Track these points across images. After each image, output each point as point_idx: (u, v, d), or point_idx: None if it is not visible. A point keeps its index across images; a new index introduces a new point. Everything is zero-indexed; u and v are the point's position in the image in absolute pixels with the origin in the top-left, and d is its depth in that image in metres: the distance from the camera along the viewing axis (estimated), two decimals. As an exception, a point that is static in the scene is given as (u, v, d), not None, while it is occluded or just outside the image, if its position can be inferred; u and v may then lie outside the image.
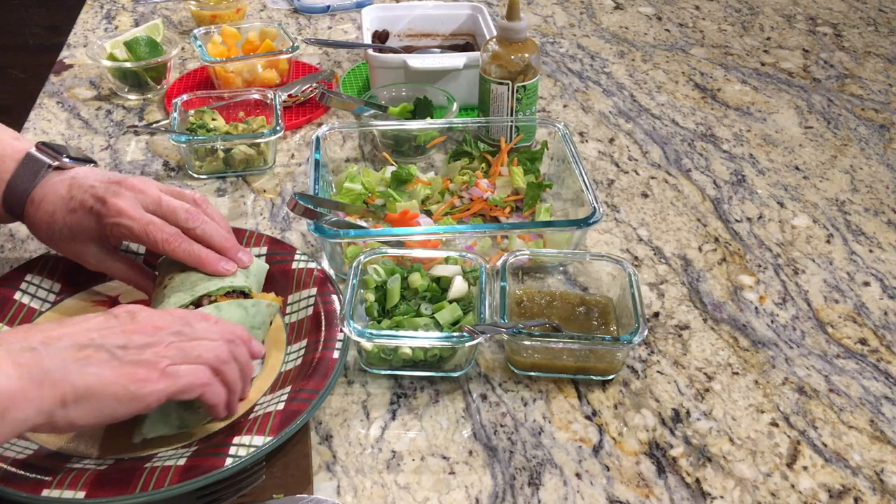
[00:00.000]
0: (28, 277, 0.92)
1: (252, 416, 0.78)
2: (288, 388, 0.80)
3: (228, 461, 0.72)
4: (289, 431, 0.74)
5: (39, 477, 0.71)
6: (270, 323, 0.87)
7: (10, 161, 0.86)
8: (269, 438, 0.74)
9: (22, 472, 0.71)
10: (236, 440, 0.74)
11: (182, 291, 0.82)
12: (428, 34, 1.46)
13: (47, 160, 0.87)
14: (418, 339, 0.84)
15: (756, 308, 0.97)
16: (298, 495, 0.73)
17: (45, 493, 0.69)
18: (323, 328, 0.86)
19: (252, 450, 0.73)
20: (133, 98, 1.37)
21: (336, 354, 0.82)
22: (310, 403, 0.77)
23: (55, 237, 0.87)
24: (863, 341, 0.93)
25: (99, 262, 0.89)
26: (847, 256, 1.06)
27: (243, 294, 0.85)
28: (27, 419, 0.62)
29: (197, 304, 0.82)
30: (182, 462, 0.72)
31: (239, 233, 0.97)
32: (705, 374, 0.89)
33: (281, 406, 0.77)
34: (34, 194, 0.86)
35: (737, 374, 0.89)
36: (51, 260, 0.95)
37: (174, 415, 0.76)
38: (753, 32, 1.65)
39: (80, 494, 0.69)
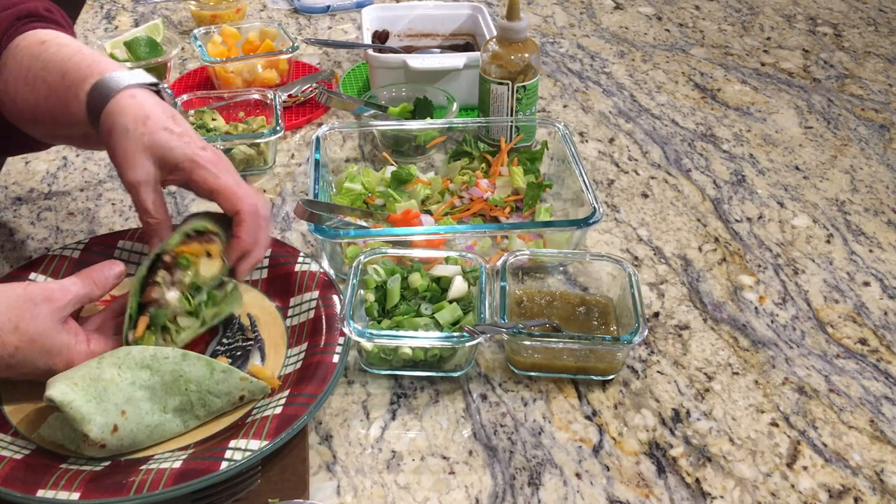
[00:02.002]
0: (31, 276, 0.92)
1: (249, 419, 0.78)
2: (286, 392, 0.80)
3: (224, 465, 0.71)
4: (286, 436, 0.74)
5: (34, 477, 0.71)
6: (242, 399, 0.81)
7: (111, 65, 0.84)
8: (265, 442, 0.73)
9: (17, 472, 0.71)
10: (232, 444, 0.74)
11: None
12: (428, 34, 1.46)
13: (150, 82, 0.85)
14: (418, 339, 0.84)
15: (756, 308, 0.97)
16: (294, 500, 0.73)
17: (40, 493, 0.69)
18: (323, 332, 0.86)
19: (248, 454, 0.72)
20: (133, 98, 1.37)
21: (336, 358, 0.82)
22: (308, 408, 0.77)
23: (132, 136, 0.81)
24: (863, 341, 0.93)
25: (143, 177, 0.82)
26: (847, 256, 1.06)
27: (206, 234, 0.85)
28: None
29: (155, 261, 0.82)
30: (177, 465, 0.72)
31: None
32: (705, 374, 0.89)
33: (278, 410, 0.77)
34: (133, 90, 0.82)
35: (737, 374, 0.89)
36: (54, 259, 0.95)
37: (68, 429, 0.76)
38: (753, 32, 1.64)
39: (75, 496, 0.69)
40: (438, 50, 1.42)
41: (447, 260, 0.93)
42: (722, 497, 0.76)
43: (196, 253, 0.82)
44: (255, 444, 0.73)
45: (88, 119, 0.82)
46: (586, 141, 1.29)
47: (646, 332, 0.82)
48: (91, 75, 0.81)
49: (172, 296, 0.81)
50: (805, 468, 0.79)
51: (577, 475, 0.78)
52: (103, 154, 1.23)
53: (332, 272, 0.97)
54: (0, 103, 0.86)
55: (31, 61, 0.83)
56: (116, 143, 0.81)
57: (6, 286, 0.77)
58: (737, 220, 1.12)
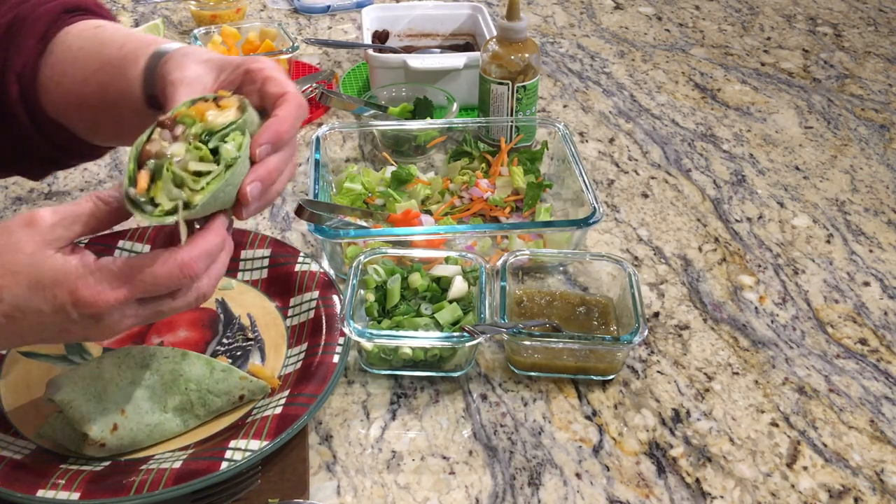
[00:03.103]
0: None
1: (249, 419, 0.78)
2: (286, 392, 0.80)
3: (224, 465, 0.71)
4: (286, 436, 0.74)
5: (34, 477, 0.71)
6: (242, 398, 0.80)
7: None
8: (265, 443, 0.73)
9: (17, 472, 0.71)
10: (232, 444, 0.74)
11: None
12: (428, 34, 1.46)
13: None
14: (418, 339, 0.83)
15: (756, 308, 0.97)
16: (294, 500, 0.73)
17: (40, 493, 0.69)
18: (324, 332, 0.86)
19: (248, 454, 0.72)
20: (133, 98, 1.37)
21: (336, 359, 0.82)
22: (308, 408, 0.77)
23: (189, 52, 0.76)
24: (863, 341, 0.93)
25: (190, 76, 0.75)
26: (847, 256, 1.06)
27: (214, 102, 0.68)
28: None
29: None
30: (178, 465, 0.72)
31: (241, 234, 0.97)
32: (705, 374, 0.89)
33: (279, 410, 0.77)
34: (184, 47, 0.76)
35: (737, 374, 0.89)
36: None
37: (68, 430, 0.76)
38: (753, 32, 1.64)
39: (75, 496, 0.69)
40: (438, 50, 1.42)
41: (447, 260, 0.93)
42: (722, 497, 0.76)
43: (202, 111, 0.67)
44: (255, 444, 0.73)
45: (143, 79, 0.76)
46: (586, 141, 1.29)
47: (646, 332, 0.82)
48: (155, 43, 0.77)
49: (176, 147, 0.64)
50: (805, 468, 0.79)
51: (577, 475, 0.78)
52: (103, 154, 1.23)
53: (332, 272, 0.97)
54: (44, 91, 0.80)
55: (83, 41, 0.79)
56: (171, 61, 0.73)
57: None
58: (737, 220, 1.12)
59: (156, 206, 0.62)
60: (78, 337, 0.65)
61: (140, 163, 0.63)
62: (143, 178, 0.63)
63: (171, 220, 0.62)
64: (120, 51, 0.77)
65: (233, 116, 0.67)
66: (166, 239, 0.68)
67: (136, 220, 0.66)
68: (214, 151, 0.64)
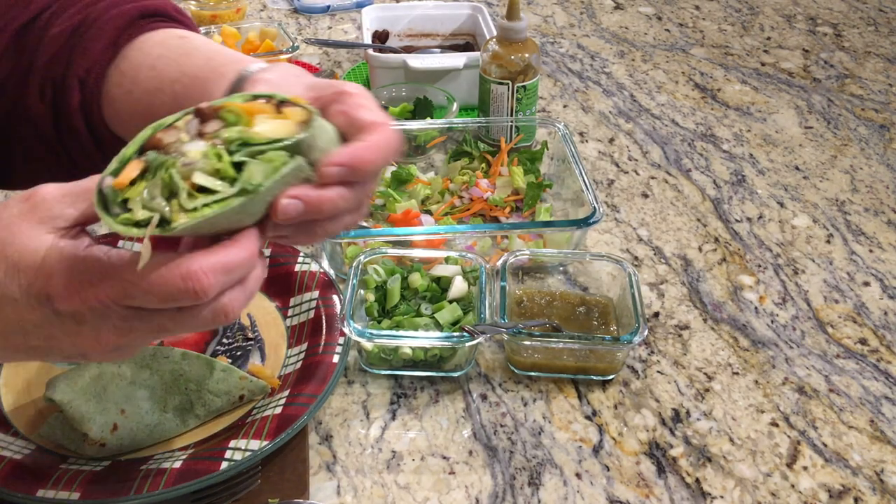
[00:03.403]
0: None
1: (249, 419, 0.78)
2: (286, 392, 0.80)
3: (224, 465, 0.72)
4: (286, 436, 0.74)
5: (34, 477, 0.71)
6: (242, 398, 0.80)
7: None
8: (265, 443, 0.73)
9: (17, 472, 0.71)
10: (232, 444, 0.74)
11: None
12: (428, 34, 1.46)
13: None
14: (418, 339, 0.83)
15: (756, 308, 0.97)
16: (294, 500, 0.73)
17: (40, 493, 0.69)
18: (323, 332, 0.86)
19: (248, 454, 0.72)
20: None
21: (336, 359, 0.82)
22: (308, 408, 0.77)
23: (279, 68, 0.67)
24: (863, 341, 0.93)
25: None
26: (847, 256, 1.06)
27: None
28: None
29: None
30: (178, 465, 0.72)
31: None
32: (705, 374, 0.89)
33: (279, 410, 0.77)
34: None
35: (737, 374, 0.89)
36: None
37: (68, 430, 0.75)
38: (753, 32, 1.64)
39: (75, 495, 0.69)
40: (438, 50, 1.42)
41: (447, 260, 0.93)
42: (722, 497, 0.76)
43: (252, 112, 0.52)
44: (255, 444, 0.73)
45: (227, 94, 0.65)
46: (586, 141, 1.29)
47: (646, 332, 0.82)
48: (249, 60, 0.67)
49: (194, 147, 0.49)
50: (805, 468, 0.79)
51: (577, 475, 0.78)
52: (103, 154, 1.23)
53: (332, 272, 0.97)
54: (109, 101, 0.71)
55: (164, 49, 0.70)
56: (263, 73, 0.65)
57: None
58: (737, 220, 1.12)
59: (127, 210, 0.48)
60: (66, 346, 0.53)
61: (143, 150, 0.50)
62: (132, 169, 0.49)
63: (134, 233, 0.47)
64: (207, 63, 0.68)
65: (286, 131, 0.50)
66: (208, 240, 0.52)
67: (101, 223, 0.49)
68: (239, 167, 0.48)
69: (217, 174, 0.48)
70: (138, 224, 0.47)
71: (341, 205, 0.53)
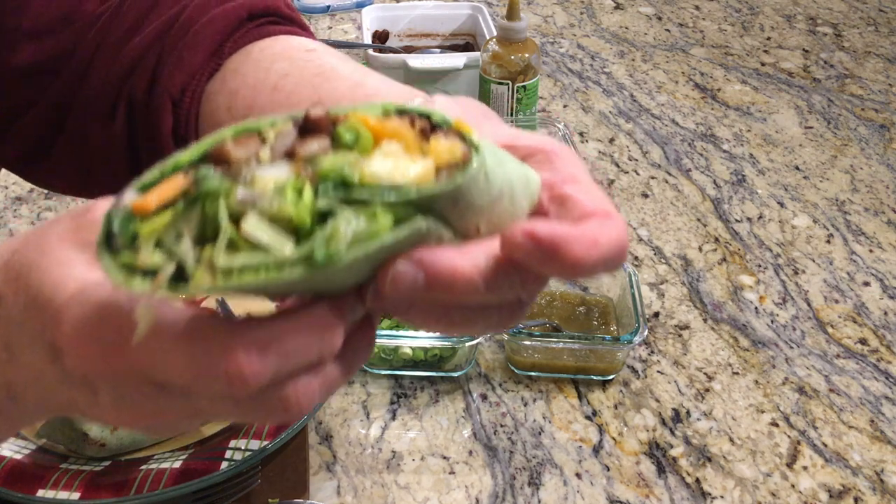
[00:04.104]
0: None
1: (251, 417, 0.78)
2: None
3: (224, 465, 0.71)
4: (286, 436, 0.74)
5: (34, 477, 0.71)
6: None
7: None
8: (265, 442, 0.73)
9: (17, 472, 0.71)
10: (232, 443, 0.74)
11: None
12: (428, 34, 1.46)
13: None
14: (418, 338, 0.84)
15: (756, 308, 0.97)
16: (294, 500, 0.73)
17: (40, 493, 0.69)
18: None
19: (248, 454, 0.72)
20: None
21: None
22: None
23: None
24: (863, 341, 0.93)
25: None
26: (847, 256, 1.06)
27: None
28: None
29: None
30: (178, 465, 0.72)
31: None
32: (705, 374, 0.89)
33: None
34: None
35: (737, 374, 0.89)
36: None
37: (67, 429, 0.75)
38: (753, 32, 1.64)
39: (75, 496, 0.69)
40: (438, 50, 1.42)
41: (447, 260, 0.93)
42: (722, 497, 0.76)
43: (384, 133, 0.34)
44: (255, 444, 0.73)
45: None
46: (586, 141, 1.29)
47: (646, 332, 0.82)
48: (410, 92, 0.51)
49: (271, 172, 0.33)
50: (805, 468, 0.79)
51: (577, 475, 0.78)
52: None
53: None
54: (211, 125, 0.56)
55: (289, 65, 0.55)
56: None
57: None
58: (737, 220, 1.12)
59: (133, 248, 0.32)
60: (92, 415, 0.39)
61: (204, 160, 0.34)
62: (168, 188, 0.33)
63: (134, 286, 0.32)
64: (353, 90, 0.51)
65: (417, 175, 0.33)
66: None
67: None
68: (324, 218, 0.32)
69: (285, 221, 0.32)
70: (145, 273, 0.32)
71: (487, 295, 0.35)
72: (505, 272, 0.34)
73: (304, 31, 0.62)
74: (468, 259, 0.34)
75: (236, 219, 0.31)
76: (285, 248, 0.31)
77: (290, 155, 0.33)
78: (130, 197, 0.33)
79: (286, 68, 0.54)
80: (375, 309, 0.37)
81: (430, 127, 0.34)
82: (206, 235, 0.32)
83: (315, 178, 0.32)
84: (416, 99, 0.45)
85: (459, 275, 0.34)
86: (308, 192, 0.32)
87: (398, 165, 0.33)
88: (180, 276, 0.32)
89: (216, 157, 0.33)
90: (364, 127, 0.34)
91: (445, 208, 0.34)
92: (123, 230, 0.32)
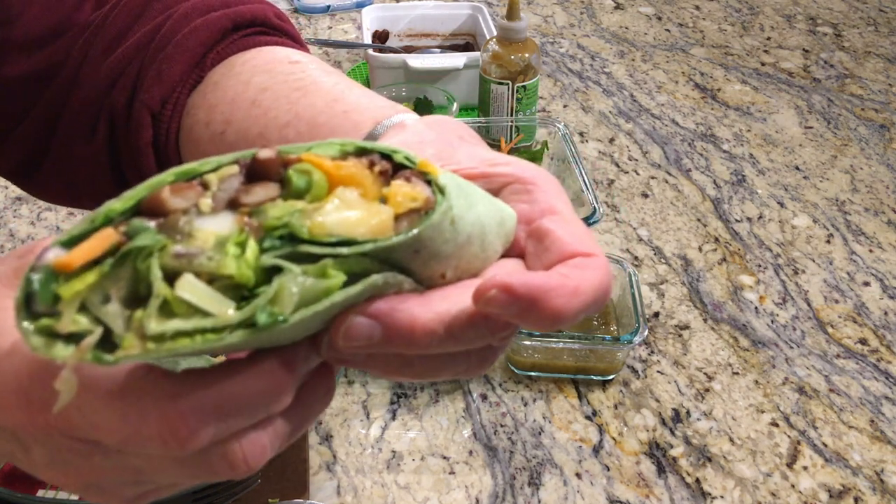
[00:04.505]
0: None
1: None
2: None
3: None
4: None
5: (34, 477, 0.71)
6: None
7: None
8: None
9: (17, 472, 0.71)
10: None
11: None
12: (428, 34, 1.46)
13: None
14: (418, 339, 0.83)
15: (756, 308, 0.97)
16: (294, 500, 0.73)
17: (40, 493, 0.69)
18: None
19: None
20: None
21: None
22: None
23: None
24: (863, 341, 0.93)
25: None
26: (847, 256, 1.06)
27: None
28: None
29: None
30: None
31: None
32: (705, 374, 0.89)
33: None
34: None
35: (737, 374, 0.89)
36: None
37: None
38: (753, 32, 1.64)
39: (75, 496, 0.69)
40: (438, 50, 1.42)
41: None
42: (722, 497, 0.76)
43: (339, 179, 0.31)
44: (255, 444, 0.73)
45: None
46: (586, 141, 1.29)
47: (646, 332, 0.82)
48: (392, 108, 0.50)
49: (212, 224, 0.30)
50: (805, 468, 0.79)
51: (578, 475, 0.78)
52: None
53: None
54: (190, 141, 0.55)
55: (270, 79, 0.53)
56: (406, 128, 0.47)
57: None
58: (737, 220, 1.12)
59: (54, 310, 0.29)
60: (23, 467, 0.38)
61: (138, 211, 0.31)
62: (97, 243, 0.29)
63: (56, 353, 0.29)
64: (331, 105, 0.49)
65: (370, 226, 0.31)
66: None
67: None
68: (272, 273, 0.30)
69: (226, 279, 0.29)
70: (71, 337, 0.29)
71: (452, 346, 0.33)
72: (472, 323, 0.32)
73: (294, 41, 0.59)
74: (429, 309, 0.32)
75: (172, 277, 0.29)
76: (225, 310, 0.29)
77: (234, 204, 0.30)
78: (54, 254, 0.29)
79: (266, 82, 0.52)
80: (330, 360, 0.34)
81: (392, 168, 0.32)
82: (139, 295, 0.29)
83: (261, 230, 0.30)
84: (398, 115, 0.45)
85: (419, 327, 0.31)
86: (252, 247, 0.30)
87: (353, 215, 0.30)
88: (108, 341, 0.29)
89: (151, 208, 0.30)
90: (318, 171, 0.31)
91: (405, 258, 0.31)
92: (44, 291, 0.29)
